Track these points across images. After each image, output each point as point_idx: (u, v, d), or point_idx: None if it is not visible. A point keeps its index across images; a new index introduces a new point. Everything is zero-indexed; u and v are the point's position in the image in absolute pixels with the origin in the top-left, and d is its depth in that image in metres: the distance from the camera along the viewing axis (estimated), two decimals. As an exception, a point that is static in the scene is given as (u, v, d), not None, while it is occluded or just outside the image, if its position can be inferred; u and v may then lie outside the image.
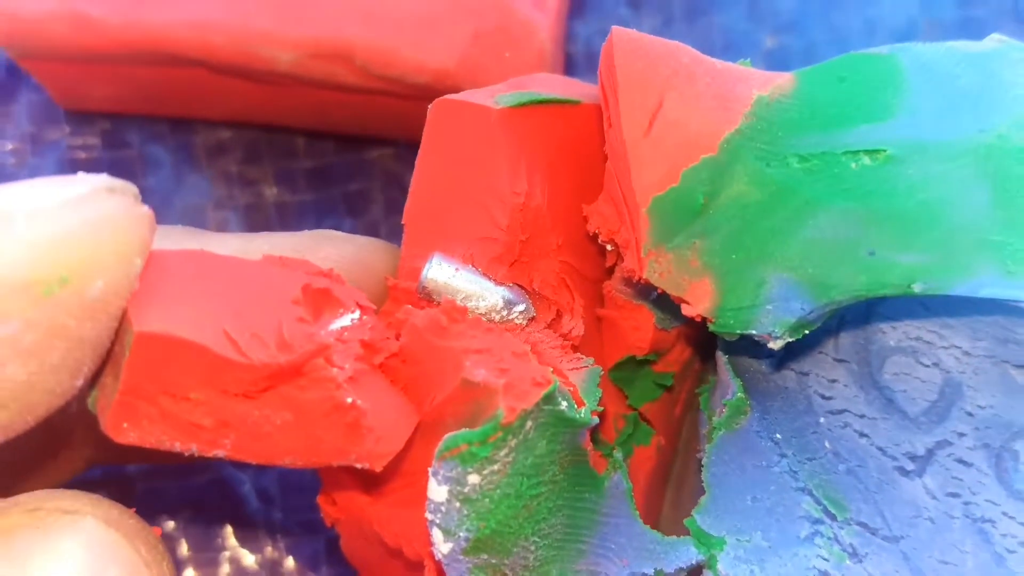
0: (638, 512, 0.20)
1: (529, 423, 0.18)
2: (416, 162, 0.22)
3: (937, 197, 0.19)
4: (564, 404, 0.18)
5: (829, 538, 0.20)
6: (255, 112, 0.30)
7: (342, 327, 0.19)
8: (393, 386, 0.20)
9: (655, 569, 0.19)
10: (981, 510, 0.20)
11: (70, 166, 0.30)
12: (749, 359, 0.21)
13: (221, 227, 0.31)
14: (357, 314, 0.19)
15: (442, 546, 0.18)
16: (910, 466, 0.20)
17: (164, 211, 0.30)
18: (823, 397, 0.21)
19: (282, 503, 0.28)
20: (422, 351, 0.20)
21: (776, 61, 0.31)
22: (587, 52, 0.31)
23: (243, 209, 0.31)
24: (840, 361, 0.21)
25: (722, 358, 0.21)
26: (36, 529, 0.17)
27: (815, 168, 0.19)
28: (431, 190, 0.21)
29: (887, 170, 0.19)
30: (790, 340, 0.19)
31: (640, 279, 0.20)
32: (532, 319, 0.21)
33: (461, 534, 0.18)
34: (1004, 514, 0.20)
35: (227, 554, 0.28)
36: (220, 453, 0.18)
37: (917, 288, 0.19)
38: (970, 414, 0.20)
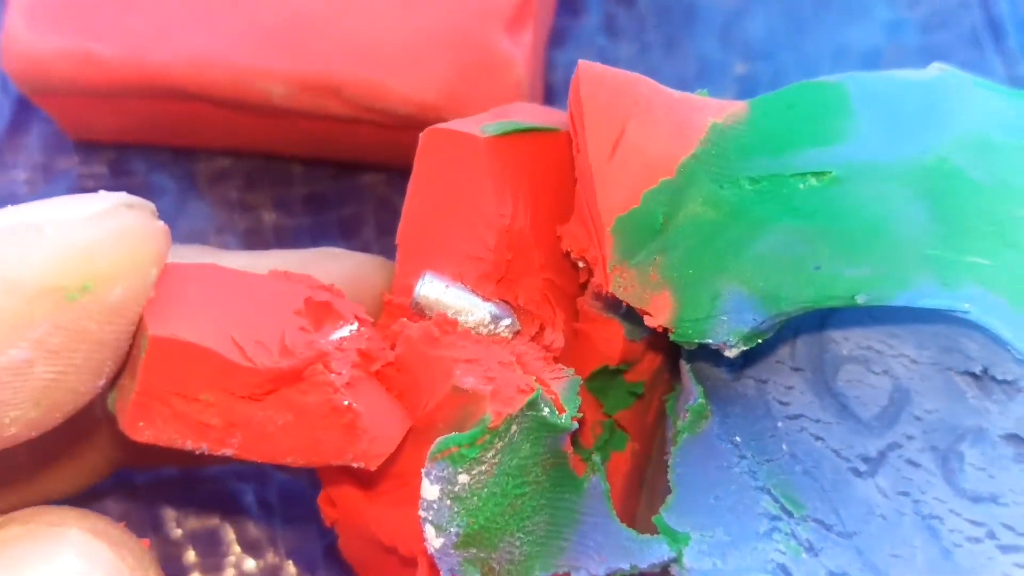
0: (615, 512, 0.21)
1: (514, 427, 0.19)
2: (408, 186, 0.22)
3: (879, 215, 0.20)
4: (546, 410, 0.19)
5: (786, 533, 0.21)
6: (253, 142, 0.30)
7: (341, 337, 0.20)
8: (388, 392, 0.21)
9: (631, 564, 0.20)
10: (929, 508, 0.20)
11: (80, 193, 0.31)
12: (711, 367, 0.22)
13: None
14: (355, 325, 0.20)
15: (434, 541, 0.19)
16: (863, 467, 0.21)
17: (168, 235, 0.31)
18: (781, 403, 0.22)
19: (282, 512, 0.29)
20: (415, 360, 0.20)
21: (747, 87, 0.32)
22: (566, 80, 0.31)
23: (243, 233, 0.31)
24: (797, 370, 0.22)
25: (685, 366, 0.22)
26: (28, 540, 0.18)
27: (765, 189, 0.20)
28: (422, 213, 0.22)
29: (833, 190, 0.20)
30: (744, 348, 0.20)
31: (607, 293, 0.21)
32: (517, 332, 0.22)
33: (452, 530, 0.19)
34: (951, 511, 0.20)
35: (231, 559, 0.28)
36: (228, 452, 0.19)
37: (860, 300, 0.19)
38: (918, 418, 0.21)
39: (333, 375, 0.19)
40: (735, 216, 0.20)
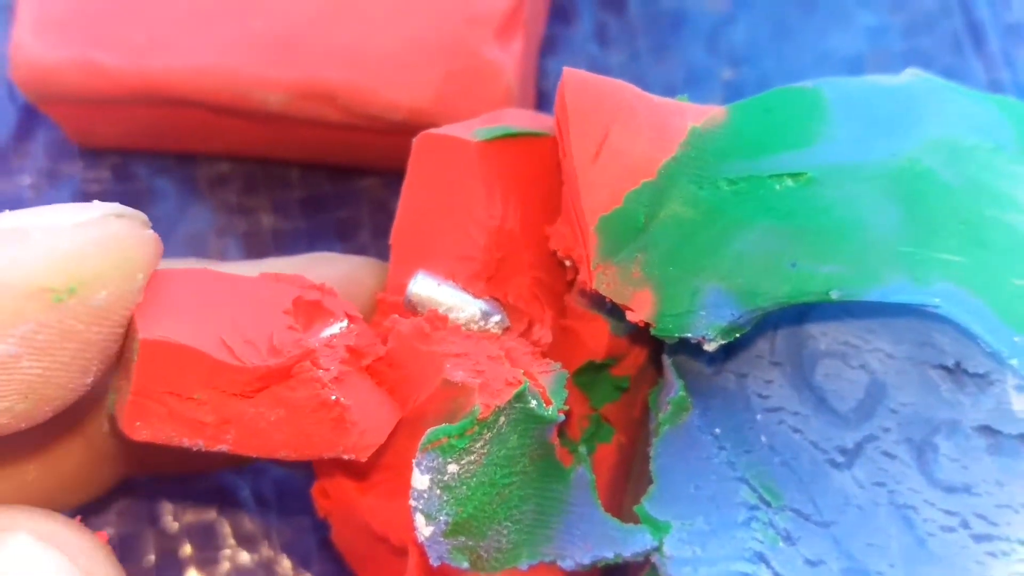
0: (600, 502, 0.21)
1: (502, 419, 0.19)
2: (402, 189, 0.23)
3: (853, 214, 0.20)
4: (534, 402, 0.20)
5: (765, 523, 0.21)
6: (252, 147, 0.31)
7: (331, 334, 0.20)
8: (379, 386, 0.21)
9: (615, 553, 0.20)
10: (904, 498, 0.21)
11: (84, 198, 0.31)
12: (692, 361, 0.22)
13: (223, 252, 0.31)
14: (345, 323, 0.21)
15: (424, 529, 0.19)
16: (840, 459, 0.21)
17: (170, 238, 0.30)
18: (760, 396, 0.22)
19: (277, 507, 0.29)
20: (407, 355, 0.21)
21: (734, 92, 0.32)
22: (558, 87, 0.33)
23: (242, 236, 0.31)
24: (776, 364, 0.22)
25: (667, 360, 0.22)
26: None
27: (742, 190, 0.21)
28: (416, 214, 0.23)
29: (808, 191, 0.20)
30: (723, 342, 0.20)
31: (591, 290, 0.21)
32: (506, 328, 0.22)
33: (441, 518, 0.19)
34: (925, 501, 0.21)
35: (227, 552, 0.29)
36: (224, 448, 0.19)
37: (835, 295, 0.20)
38: (894, 411, 0.21)
39: (321, 371, 0.19)
40: (713, 216, 0.21)
